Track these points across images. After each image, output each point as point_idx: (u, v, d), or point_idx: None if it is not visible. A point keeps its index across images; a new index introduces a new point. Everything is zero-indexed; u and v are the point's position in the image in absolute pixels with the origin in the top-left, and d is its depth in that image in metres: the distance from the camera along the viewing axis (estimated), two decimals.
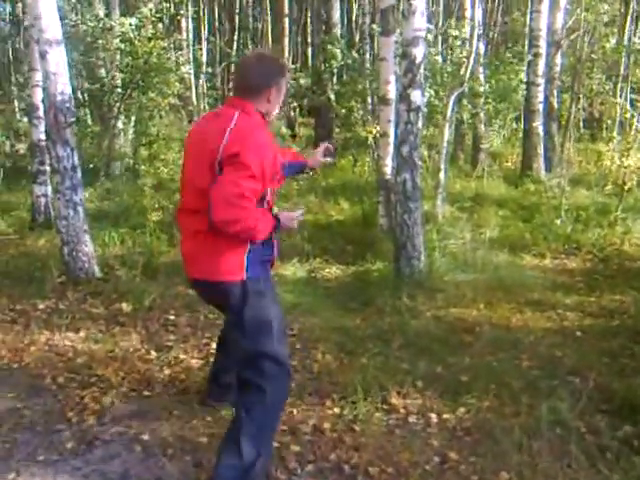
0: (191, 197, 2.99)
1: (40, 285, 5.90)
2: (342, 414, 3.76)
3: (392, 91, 7.51)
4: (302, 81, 15.79)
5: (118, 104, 11.62)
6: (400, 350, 4.67)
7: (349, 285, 6.44)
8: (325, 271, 6.91)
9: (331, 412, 3.80)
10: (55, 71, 5.76)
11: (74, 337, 4.87)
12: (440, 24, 15.58)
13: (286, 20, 18.70)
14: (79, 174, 6.03)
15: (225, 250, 2.94)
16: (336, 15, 13.66)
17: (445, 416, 3.76)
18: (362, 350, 4.64)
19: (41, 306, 5.51)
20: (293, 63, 18.88)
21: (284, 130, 16.09)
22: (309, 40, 18.99)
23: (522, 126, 12.98)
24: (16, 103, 15.85)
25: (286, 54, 18.88)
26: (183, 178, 3.11)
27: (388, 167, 7.82)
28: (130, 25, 11.61)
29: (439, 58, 12.69)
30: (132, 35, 11.43)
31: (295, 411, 3.80)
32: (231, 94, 3.22)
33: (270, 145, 2.99)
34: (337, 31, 13.53)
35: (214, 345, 4.72)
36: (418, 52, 6.01)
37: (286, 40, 18.83)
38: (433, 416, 3.76)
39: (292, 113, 18.24)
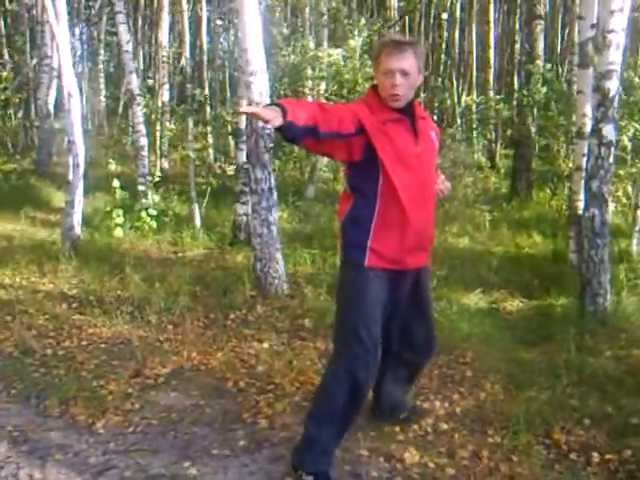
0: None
1: (233, 297, 6.37)
2: (502, 443, 3.78)
3: (589, 125, 7.37)
4: (505, 112, 15.71)
5: None
6: (571, 387, 4.59)
7: (530, 318, 6.38)
8: (507, 303, 6.89)
9: (491, 440, 3.84)
10: (258, 100, 6.22)
11: (258, 347, 5.23)
12: None
13: (491, 51, 18.65)
14: (275, 196, 6.45)
15: None
16: (540, 46, 13.48)
17: (608, 456, 3.67)
18: (532, 383, 4.62)
19: (232, 316, 5.95)
20: (498, 94, 18.73)
21: (482, 160, 16.09)
22: (514, 71, 18.78)
23: None
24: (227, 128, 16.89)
25: (491, 84, 18.82)
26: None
27: (581, 202, 7.65)
28: (337, 55, 12.19)
29: None
30: (340, 65, 11.99)
31: (456, 435, 3.89)
32: None
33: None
34: (540, 62, 13.34)
35: None
36: (612, 85, 5.90)
37: (491, 71, 18.77)
38: (595, 455, 3.68)
39: (493, 144, 18.12)
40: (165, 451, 3.67)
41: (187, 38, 12.62)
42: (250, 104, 6.22)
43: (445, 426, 4.01)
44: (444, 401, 4.38)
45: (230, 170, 13.04)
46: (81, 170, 8.14)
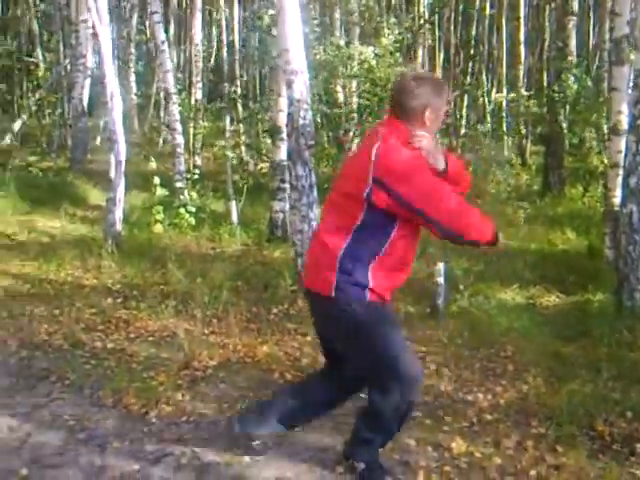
0: None
1: (274, 292, 6.51)
2: (546, 434, 3.88)
3: (624, 121, 7.41)
4: (535, 109, 15.72)
5: (354, 128, 12.29)
6: (612, 380, 4.66)
7: (567, 314, 6.46)
8: (544, 298, 6.98)
9: (535, 431, 3.93)
10: (299, 98, 6.33)
11: (301, 340, 5.35)
12: None
13: (521, 47, 18.61)
14: (315, 192, 6.56)
15: None
16: (572, 42, 13.48)
17: None
18: (573, 377, 4.69)
19: (274, 310, 6.09)
20: (527, 90, 18.70)
21: (513, 157, 16.10)
22: (544, 67, 18.72)
23: None
24: (259, 125, 17.00)
25: (520, 81, 18.79)
26: None
27: (617, 198, 7.70)
28: (369, 53, 12.28)
29: None
30: (372, 63, 12.07)
31: (501, 426, 3.98)
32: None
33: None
34: (573, 59, 13.34)
35: (430, 359, 5.05)
36: None
37: (521, 67, 18.74)
38: (638, 446, 3.76)
39: (523, 141, 18.10)
40: (218, 440, 3.78)
41: (224, 36, 12.74)
42: (291, 103, 6.34)
43: (489, 417, 4.11)
44: (487, 393, 4.48)
45: (265, 168, 13.18)
46: (122, 167, 8.31)
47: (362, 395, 3.46)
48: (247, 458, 3.58)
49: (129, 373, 4.62)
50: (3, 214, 10.44)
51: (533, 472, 3.50)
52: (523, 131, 17.91)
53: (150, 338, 5.42)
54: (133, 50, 22.23)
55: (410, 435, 3.81)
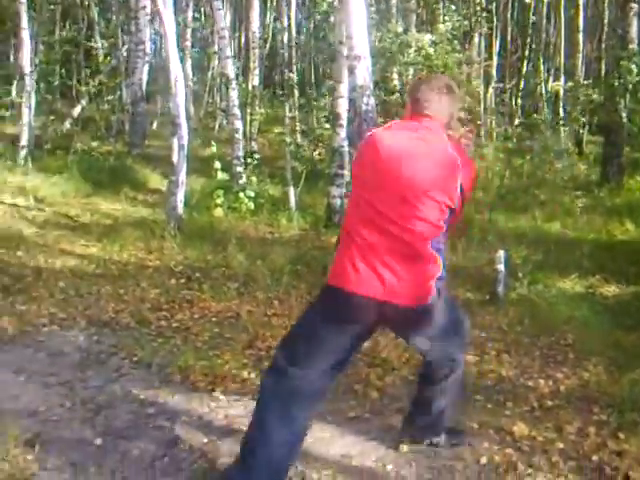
0: None
1: None
2: (608, 421, 3.91)
3: None
4: (594, 96, 15.49)
5: None
6: None
7: (627, 304, 6.43)
8: (603, 288, 6.94)
9: (597, 418, 3.96)
10: (362, 84, 6.40)
11: None
12: None
13: (579, 35, 18.37)
14: None
15: None
16: (633, 30, 13.24)
17: None
18: (634, 366, 4.68)
19: None
20: (586, 79, 18.44)
21: (570, 146, 15.89)
22: (603, 56, 18.46)
23: None
24: (315, 112, 17.06)
25: (579, 70, 18.55)
26: None
27: None
28: (426, 40, 12.26)
29: None
30: (429, 50, 12.06)
31: (562, 412, 4.01)
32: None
33: None
34: (633, 47, 13.11)
35: (490, 344, 5.09)
36: None
37: (579, 55, 18.50)
38: None
39: (580, 130, 17.85)
40: None
41: (280, 23, 12.78)
42: (354, 89, 6.41)
43: (550, 403, 4.16)
44: (548, 380, 4.51)
45: (321, 154, 13.27)
46: (185, 151, 8.46)
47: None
48: (312, 436, 3.67)
49: (195, 351, 4.76)
50: (66, 196, 10.73)
51: (595, 457, 3.54)
52: (580, 119, 17.66)
53: (214, 318, 5.55)
54: (189, 37, 22.47)
55: (472, 419, 3.88)
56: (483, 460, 3.47)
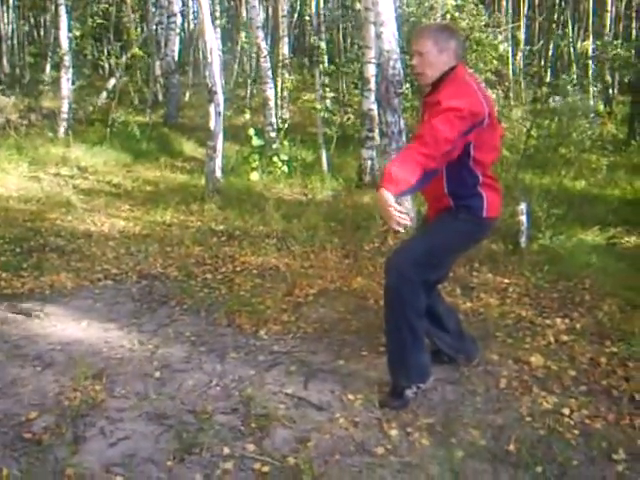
0: None
1: (366, 231, 6.98)
2: (618, 353, 4.25)
3: None
4: (624, 53, 15.52)
5: None
6: None
7: None
8: (624, 239, 7.21)
9: (608, 350, 4.30)
10: (388, 48, 6.72)
11: None
12: None
13: None
14: (404, 138, 6.96)
15: None
16: None
17: None
18: None
19: (366, 247, 6.57)
20: (615, 38, 18.44)
21: (599, 106, 15.97)
22: (633, 15, 18.45)
23: None
24: (344, 78, 17.26)
25: (607, 29, 18.55)
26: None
27: None
28: (452, 4, 12.45)
29: None
30: (454, 14, 12.26)
31: (576, 346, 4.37)
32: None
33: None
34: None
35: (511, 289, 5.44)
36: None
37: (607, 15, 18.50)
38: None
39: (609, 90, 17.90)
40: (322, 352, 4.32)
41: None
42: (381, 53, 6.73)
43: (565, 337, 4.50)
44: (564, 318, 4.86)
45: (350, 119, 13.57)
46: (221, 118, 8.87)
47: None
48: (348, 368, 4.09)
49: (239, 299, 5.20)
50: (107, 165, 11.24)
51: (604, 382, 3.90)
52: (608, 79, 17.70)
53: (254, 271, 5.98)
54: (218, 7, 22.74)
55: (492, 351, 4.26)
56: (502, 384, 3.85)
